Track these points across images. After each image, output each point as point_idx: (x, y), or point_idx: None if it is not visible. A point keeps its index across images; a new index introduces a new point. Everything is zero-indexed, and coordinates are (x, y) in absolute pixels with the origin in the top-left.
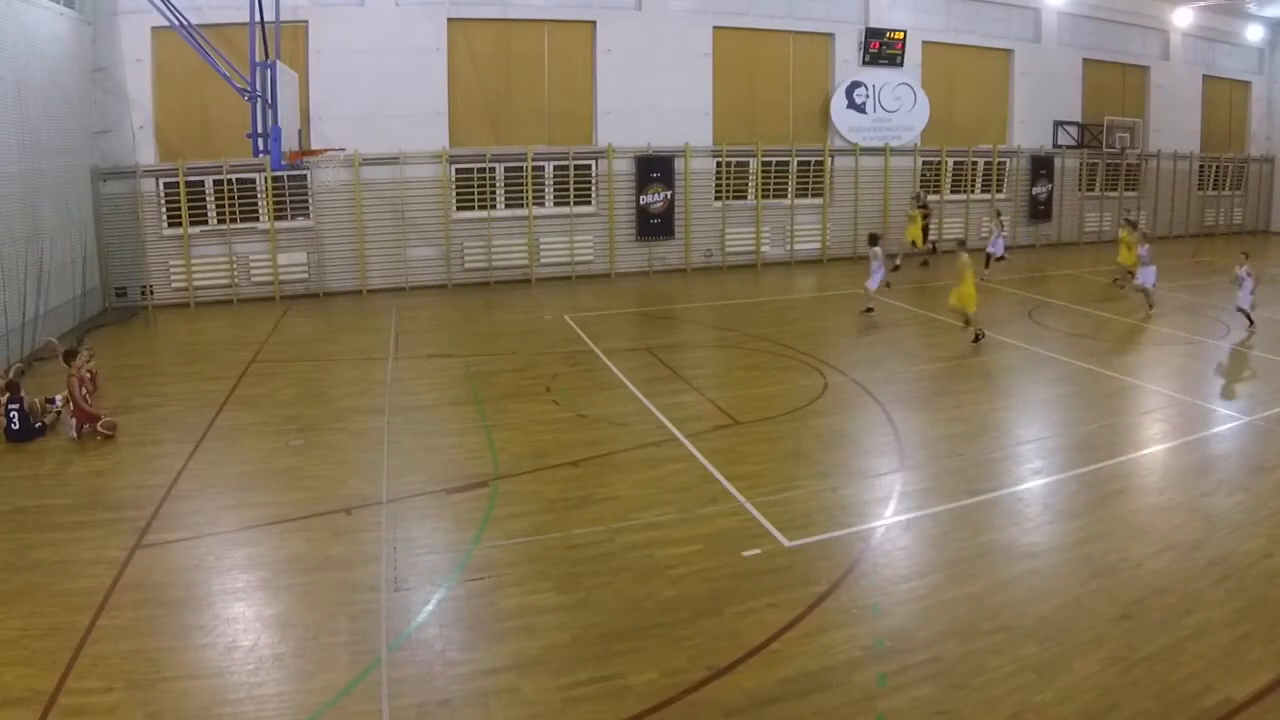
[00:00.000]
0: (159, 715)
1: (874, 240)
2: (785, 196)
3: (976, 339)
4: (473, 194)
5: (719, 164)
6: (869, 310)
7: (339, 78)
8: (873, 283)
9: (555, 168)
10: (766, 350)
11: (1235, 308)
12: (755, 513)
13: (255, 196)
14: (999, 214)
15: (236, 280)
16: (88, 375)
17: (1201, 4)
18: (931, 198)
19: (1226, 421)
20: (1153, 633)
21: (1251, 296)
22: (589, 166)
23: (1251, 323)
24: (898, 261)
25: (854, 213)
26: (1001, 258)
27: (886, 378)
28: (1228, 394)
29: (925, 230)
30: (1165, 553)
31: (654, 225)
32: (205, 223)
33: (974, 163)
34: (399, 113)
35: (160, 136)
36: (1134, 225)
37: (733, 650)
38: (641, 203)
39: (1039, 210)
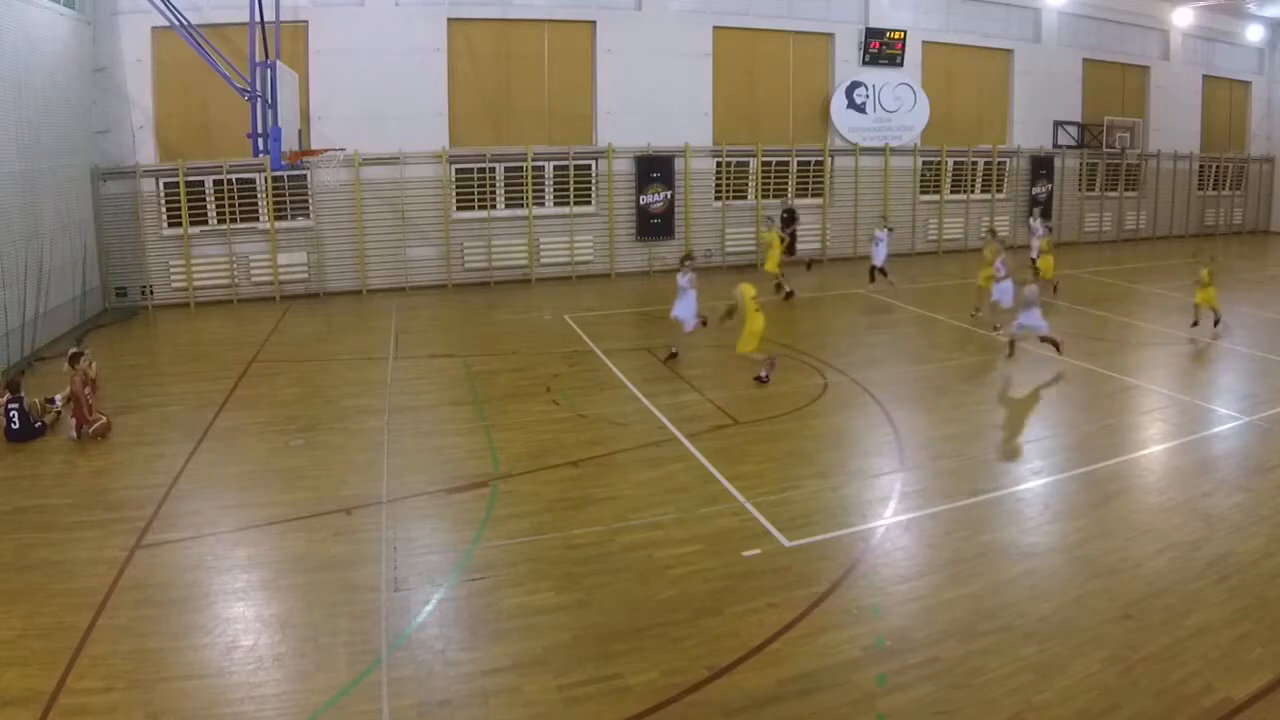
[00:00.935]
0: (159, 715)
1: (686, 261)
2: (785, 196)
3: (762, 379)
4: (473, 194)
5: (719, 164)
6: (672, 355)
7: (339, 78)
8: (683, 311)
9: (555, 168)
10: (766, 350)
11: (1039, 338)
12: (755, 513)
13: (255, 196)
14: (885, 219)
15: (236, 280)
16: (90, 376)
17: (1201, 4)
18: (930, 198)
19: (1226, 421)
20: (1153, 633)
21: (1038, 320)
22: (589, 166)
23: (1058, 347)
24: (788, 289)
25: (854, 213)
26: (883, 271)
27: (886, 378)
28: (1227, 394)
29: (793, 245)
30: (1165, 553)
31: (654, 225)
32: (205, 223)
33: (974, 163)
34: (399, 113)
35: (160, 136)
36: (994, 234)
37: (733, 650)
38: (641, 203)
39: (1039, 210)
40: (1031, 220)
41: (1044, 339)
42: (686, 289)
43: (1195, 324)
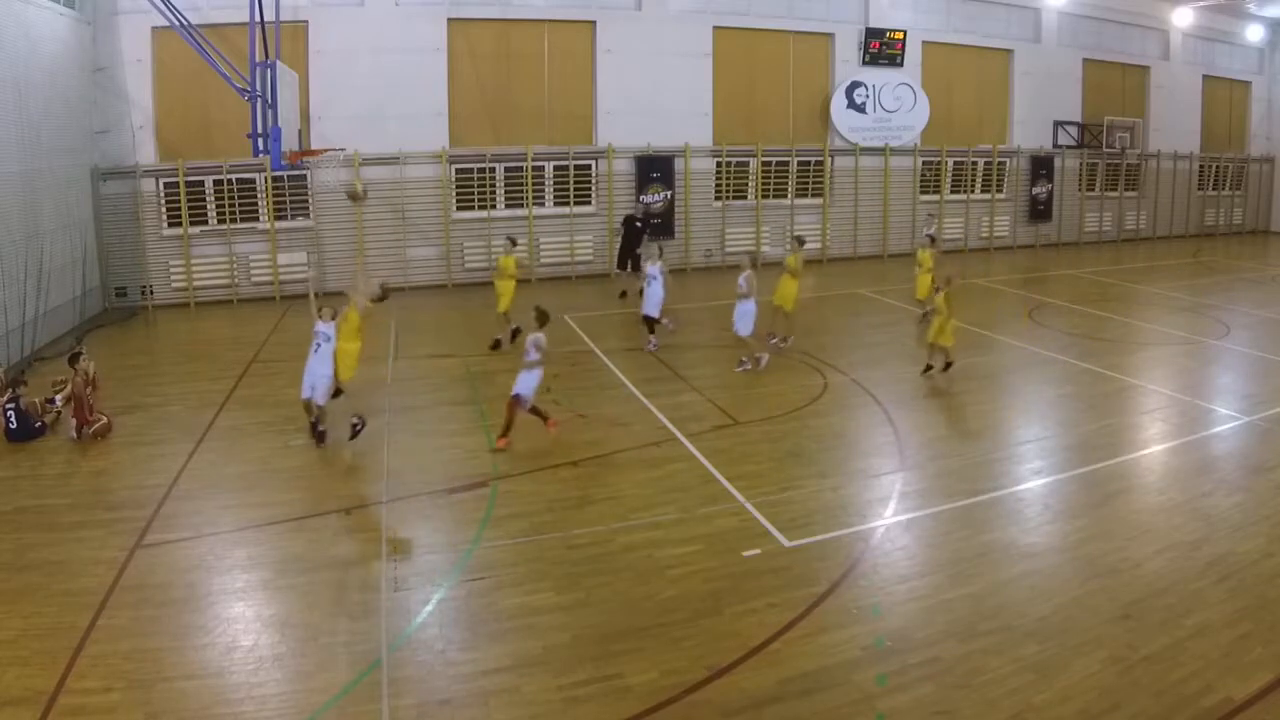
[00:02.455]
0: (159, 715)
1: (323, 310)
2: (785, 196)
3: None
4: (473, 194)
5: (719, 164)
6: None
7: (339, 78)
8: (314, 393)
9: (555, 168)
10: (766, 350)
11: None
12: (755, 513)
13: (255, 196)
14: (660, 251)
15: (236, 280)
16: (91, 376)
17: (1201, 4)
18: (930, 198)
19: (1226, 421)
20: (1153, 633)
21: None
22: (589, 166)
23: (546, 420)
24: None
25: (854, 213)
26: (659, 320)
27: (886, 378)
28: (1227, 394)
29: (625, 256)
30: (1165, 553)
31: (654, 225)
32: (205, 223)
33: (974, 163)
34: (399, 113)
35: (160, 136)
36: (801, 242)
37: (733, 650)
38: (642, 202)
39: (1039, 210)
40: (927, 229)
41: (514, 400)
42: (323, 343)
43: (929, 369)
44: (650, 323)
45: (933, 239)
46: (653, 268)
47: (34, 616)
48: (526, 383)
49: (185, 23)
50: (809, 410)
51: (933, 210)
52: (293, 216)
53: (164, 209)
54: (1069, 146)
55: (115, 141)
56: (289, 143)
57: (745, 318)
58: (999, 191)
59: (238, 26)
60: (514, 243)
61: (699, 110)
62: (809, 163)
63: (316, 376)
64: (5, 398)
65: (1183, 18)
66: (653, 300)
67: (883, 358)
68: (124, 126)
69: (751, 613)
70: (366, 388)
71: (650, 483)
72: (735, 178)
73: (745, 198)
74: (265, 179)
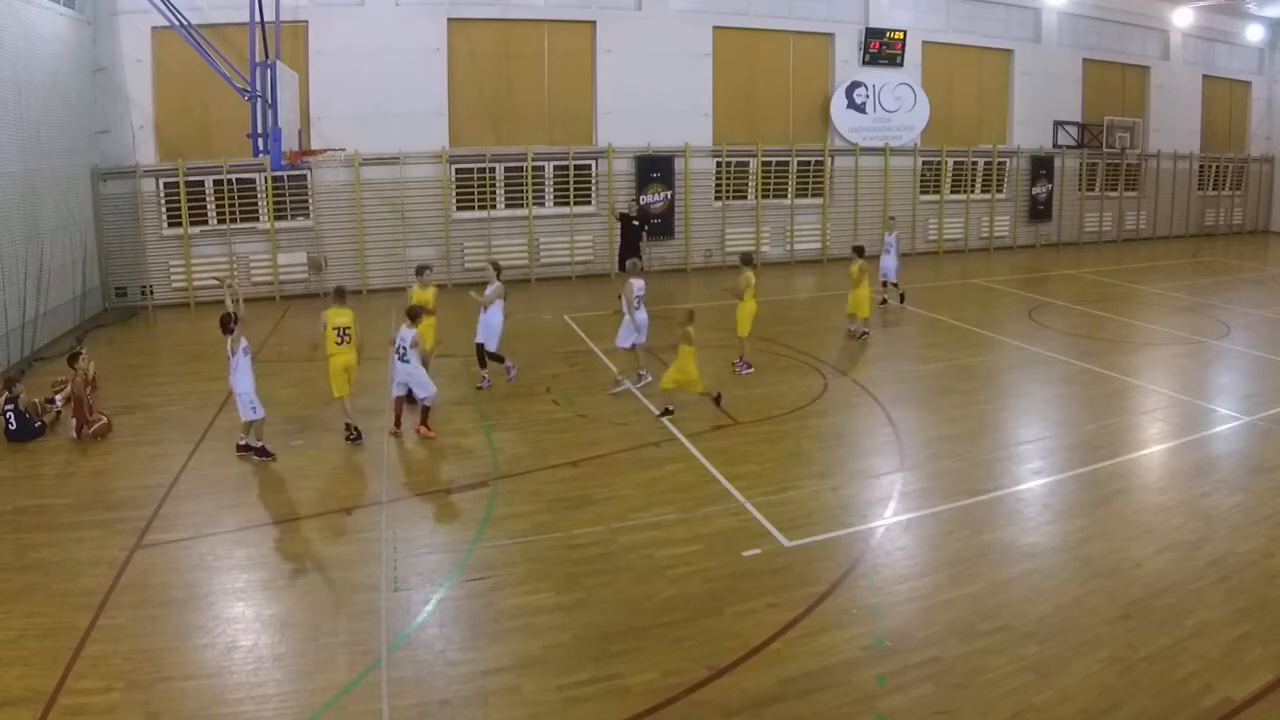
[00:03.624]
0: (159, 715)
1: (228, 323)
2: (785, 196)
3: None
4: (473, 194)
5: (719, 164)
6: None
7: (339, 78)
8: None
9: (555, 168)
10: (766, 350)
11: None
12: (755, 513)
13: (255, 196)
14: (498, 270)
15: (237, 280)
16: (90, 376)
17: (1201, 4)
18: (930, 198)
19: (1226, 421)
20: (1153, 633)
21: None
22: (589, 166)
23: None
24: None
25: (854, 213)
26: (499, 357)
27: (886, 378)
28: (1227, 394)
29: (628, 253)
30: (1165, 553)
31: (654, 225)
32: (205, 223)
33: (974, 163)
34: (399, 113)
35: (160, 136)
36: (749, 260)
37: (733, 650)
38: (642, 203)
39: (1039, 210)
40: (888, 234)
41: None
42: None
43: (669, 411)
44: (483, 354)
45: (859, 251)
46: (490, 288)
47: (34, 616)
48: (401, 377)
49: (185, 23)
50: (809, 410)
51: (894, 213)
52: (293, 216)
53: (164, 209)
54: (1069, 146)
55: (115, 141)
56: (289, 143)
57: (642, 328)
58: (999, 191)
59: (238, 26)
60: (429, 270)
61: (699, 110)
62: (809, 163)
63: (251, 394)
64: (3, 399)
65: (1183, 18)
66: (488, 326)
67: (883, 358)
68: (124, 126)
69: (751, 613)
70: (367, 388)
71: (650, 483)
72: (735, 178)
73: (745, 198)
74: (265, 179)
